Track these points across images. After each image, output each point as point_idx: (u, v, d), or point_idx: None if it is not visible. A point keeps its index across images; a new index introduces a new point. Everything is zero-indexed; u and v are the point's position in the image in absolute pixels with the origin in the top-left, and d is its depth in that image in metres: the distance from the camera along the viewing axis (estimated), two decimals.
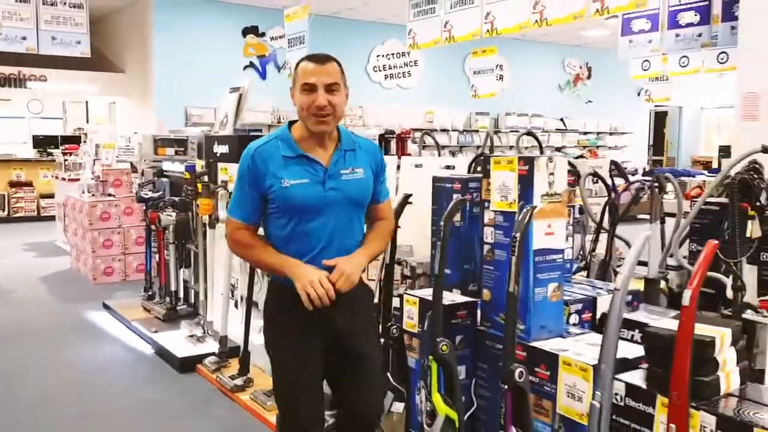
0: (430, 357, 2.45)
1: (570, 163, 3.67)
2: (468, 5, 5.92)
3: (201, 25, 11.62)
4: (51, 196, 11.41)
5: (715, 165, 12.82)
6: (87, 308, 6.09)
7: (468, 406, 2.64)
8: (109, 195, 7.48)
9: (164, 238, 5.62)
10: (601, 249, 3.70)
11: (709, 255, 1.77)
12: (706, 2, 6.72)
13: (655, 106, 16.06)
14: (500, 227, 2.55)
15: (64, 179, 9.45)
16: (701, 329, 1.93)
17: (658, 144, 17.98)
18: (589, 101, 16.37)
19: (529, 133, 5.31)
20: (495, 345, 2.55)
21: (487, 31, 5.74)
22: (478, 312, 2.70)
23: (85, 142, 10.98)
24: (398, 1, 7.35)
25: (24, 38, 7.73)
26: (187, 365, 4.47)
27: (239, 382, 4.02)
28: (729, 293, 2.92)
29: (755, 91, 4.65)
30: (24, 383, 4.39)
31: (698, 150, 17.79)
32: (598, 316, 2.75)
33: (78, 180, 8.59)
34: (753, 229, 2.80)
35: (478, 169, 3.34)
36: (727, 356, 1.97)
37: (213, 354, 4.43)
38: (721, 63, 8.51)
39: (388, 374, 2.82)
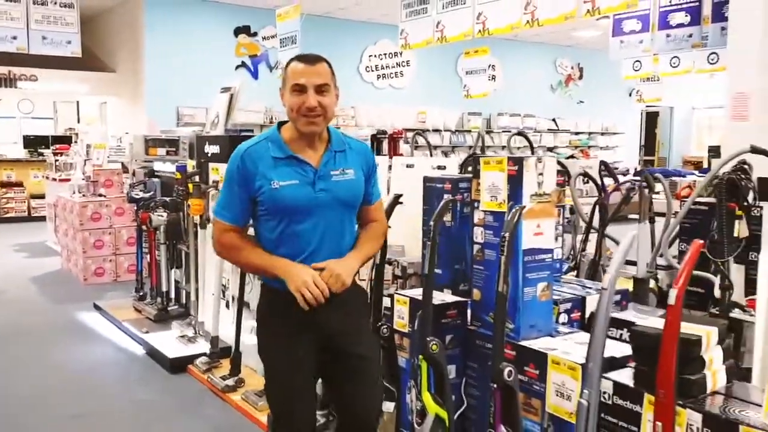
0: (420, 356, 2.46)
1: (560, 164, 3.69)
2: (460, 6, 5.94)
3: (193, 24, 11.60)
4: (42, 196, 11.36)
5: (705, 165, 12.89)
6: (78, 309, 6.07)
7: (458, 405, 2.65)
8: (100, 195, 7.45)
9: (155, 238, 5.61)
10: (591, 249, 3.72)
11: (694, 254, 1.78)
12: (697, 3, 6.76)
13: (647, 106, 16.14)
14: (490, 227, 2.56)
15: (54, 179, 9.42)
16: (688, 328, 1.95)
17: (649, 144, 18.06)
18: (581, 101, 16.44)
19: (520, 134, 5.34)
20: (485, 344, 2.57)
21: (479, 31, 5.76)
22: (468, 311, 2.71)
23: (76, 142, 10.96)
24: (390, 1, 7.36)
25: (14, 38, 7.69)
26: (178, 366, 4.47)
27: (230, 382, 4.01)
28: (717, 292, 2.94)
29: (744, 92, 4.68)
30: (15, 384, 4.37)
31: (689, 150, 17.88)
32: (587, 315, 2.77)
33: (69, 180, 8.56)
34: (740, 229, 2.82)
35: (469, 169, 3.35)
36: (713, 355, 1.98)
37: (204, 354, 4.43)
38: (711, 63, 8.57)
39: None
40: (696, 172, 11.35)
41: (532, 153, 5.32)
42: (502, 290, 2.23)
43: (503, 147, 13.33)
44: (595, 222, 3.78)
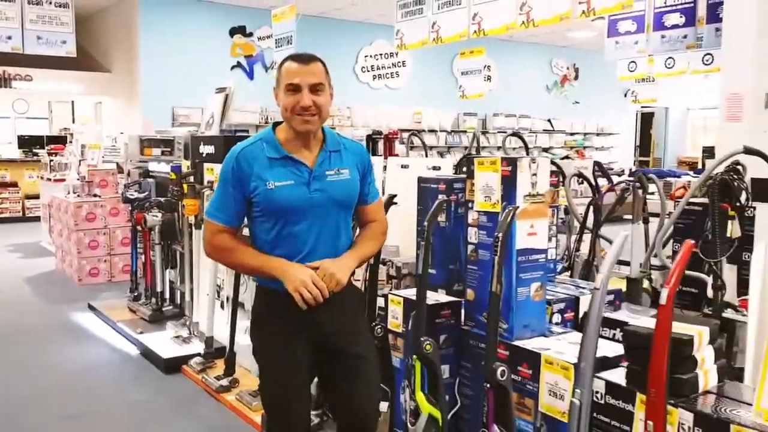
0: (414, 356, 2.46)
1: (555, 164, 3.70)
2: (455, 6, 5.95)
3: (188, 24, 11.59)
4: (36, 196, 11.34)
5: (700, 166, 12.94)
6: (72, 309, 6.05)
7: (452, 404, 2.66)
8: (95, 196, 7.44)
9: (150, 238, 5.60)
10: (585, 249, 3.74)
11: (685, 255, 1.79)
12: (691, 4, 6.79)
13: (642, 107, 16.17)
14: (484, 227, 2.57)
15: (49, 180, 9.39)
16: (680, 328, 1.96)
17: (644, 145, 18.11)
18: (577, 102, 16.47)
19: (515, 134, 5.35)
20: (479, 344, 2.57)
21: (475, 32, 5.77)
22: (462, 312, 2.71)
23: (70, 142, 10.94)
24: (386, 2, 7.37)
25: (9, 38, 7.68)
26: (173, 366, 4.46)
27: (225, 382, 4.01)
28: (710, 293, 2.96)
29: (739, 93, 4.70)
30: (9, 384, 4.36)
31: (684, 151, 17.94)
32: (580, 315, 2.77)
33: (63, 180, 8.54)
34: (733, 229, 2.84)
35: (464, 169, 3.36)
36: (705, 354, 1.99)
37: (199, 355, 4.43)
38: (706, 64, 8.61)
39: None
40: (691, 173, 11.39)
41: (527, 153, 5.35)
42: (495, 290, 2.23)
43: (499, 147, 13.35)
44: (590, 222, 3.79)
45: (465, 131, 14.31)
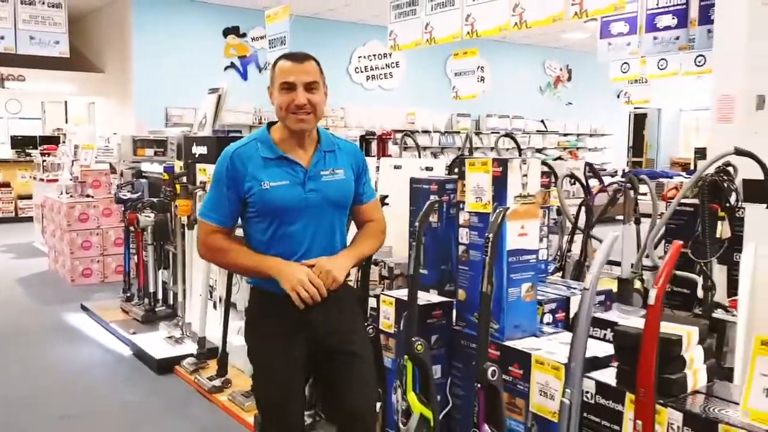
0: (406, 356, 2.47)
1: (547, 165, 3.72)
2: (448, 7, 5.96)
3: (181, 25, 11.56)
4: (29, 197, 11.29)
5: (693, 167, 12.99)
6: (65, 310, 6.04)
7: (443, 404, 2.67)
8: (88, 196, 7.42)
9: (143, 239, 5.59)
10: (576, 249, 3.75)
11: (674, 255, 1.80)
12: (684, 6, 6.82)
13: (635, 108, 16.23)
14: (475, 228, 2.58)
15: (42, 180, 9.36)
16: (670, 328, 1.97)
17: (637, 146, 18.18)
18: (570, 103, 16.51)
19: (508, 135, 5.37)
20: (470, 344, 2.58)
21: (468, 33, 5.79)
22: (454, 312, 2.72)
23: (63, 142, 10.90)
24: (379, 3, 7.37)
25: (2, 38, 7.64)
26: (165, 366, 4.46)
27: (217, 383, 4.01)
28: (700, 293, 2.98)
29: (730, 94, 4.73)
30: (2, 385, 4.35)
31: (677, 151, 18.01)
32: (571, 315, 2.79)
33: (56, 181, 8.52)
34: (723, 230, 2.86)
35: (456, 170, 3.37)
36: (694, 354, 2.00)
37: (191, 355, 4.42)
38: (698, 66, 8.64)
39: None
40: (683, 174, 11.44)
41: (520, 154, 5.36)
42: (486, 291, 2.24)
43: (492, 148, 13.37)
44: (581, 223, 3.81)
45: (458, 132, 14.33)
